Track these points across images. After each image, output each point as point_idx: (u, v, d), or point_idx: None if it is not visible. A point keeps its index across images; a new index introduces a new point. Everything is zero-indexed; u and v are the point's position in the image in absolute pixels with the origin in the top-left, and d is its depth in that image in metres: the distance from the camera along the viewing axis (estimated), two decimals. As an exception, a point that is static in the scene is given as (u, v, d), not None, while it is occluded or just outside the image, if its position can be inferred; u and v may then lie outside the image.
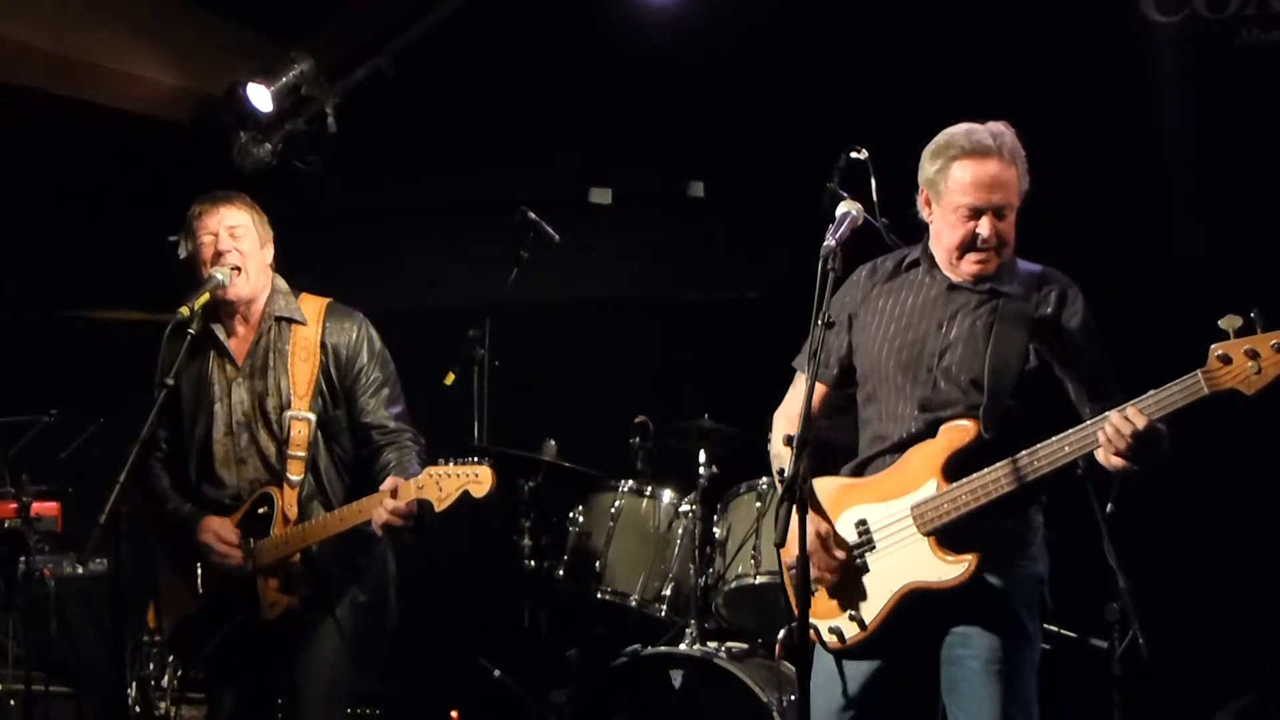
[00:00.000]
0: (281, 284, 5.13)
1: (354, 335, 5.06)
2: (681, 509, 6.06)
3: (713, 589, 5.91)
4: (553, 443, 6.47)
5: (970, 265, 4.19)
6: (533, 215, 6.62)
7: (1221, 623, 6.21)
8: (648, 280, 7.82)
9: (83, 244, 8.19)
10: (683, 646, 5.81)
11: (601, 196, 7.74)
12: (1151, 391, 3.87)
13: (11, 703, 6.50)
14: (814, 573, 4.16)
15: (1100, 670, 5.58)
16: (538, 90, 7.66)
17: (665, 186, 7.68)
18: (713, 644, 5.80)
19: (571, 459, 6.44)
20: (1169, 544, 6.27)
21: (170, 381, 4.79)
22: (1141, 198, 6.63)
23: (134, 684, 6.65)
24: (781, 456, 4.43)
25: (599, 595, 6.11)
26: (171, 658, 6.50)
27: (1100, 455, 3.97)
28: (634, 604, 6.06)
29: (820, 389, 4.41)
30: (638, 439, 6.47)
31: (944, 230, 4.20)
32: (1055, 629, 5.74)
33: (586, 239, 7.20)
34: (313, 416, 4.97)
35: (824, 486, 4.24)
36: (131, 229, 8.17)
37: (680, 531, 6.07)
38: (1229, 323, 3.81)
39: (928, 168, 4.23)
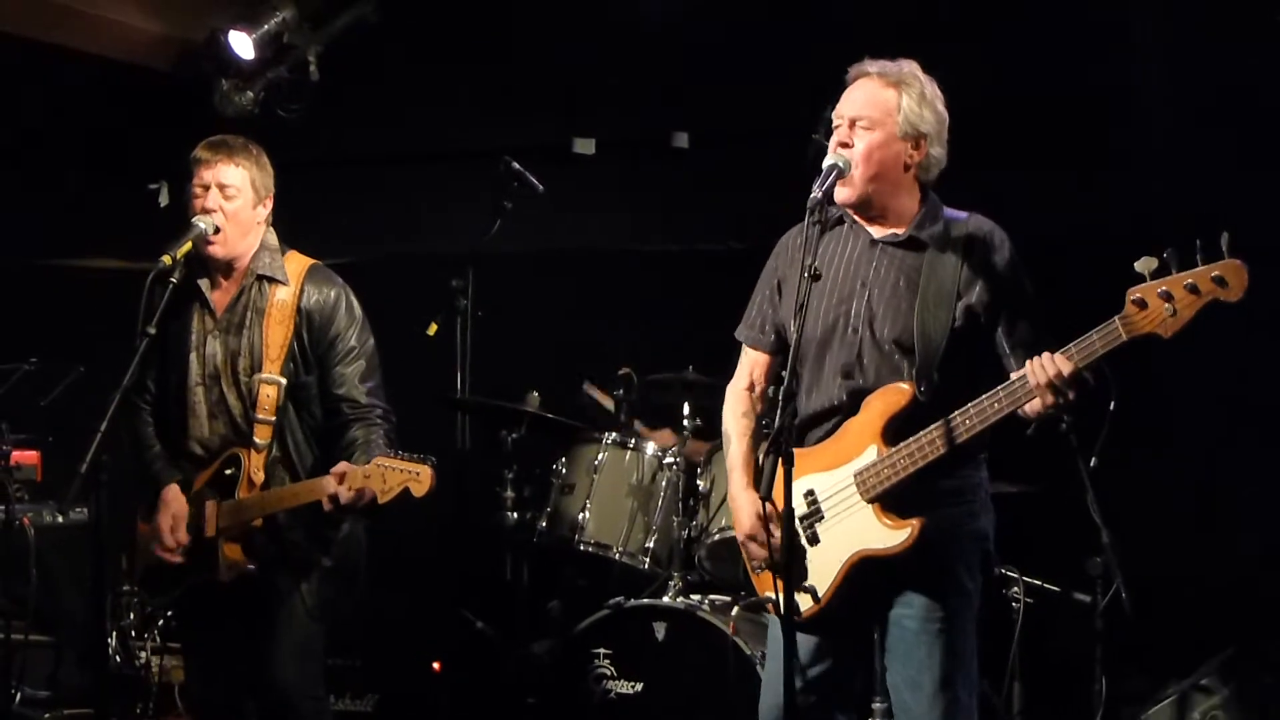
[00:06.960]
0: (271, 240, 5.03)
1: (330, 301, 4.96)
2: (665, 461, 6.04)
3: (696, 541, 5.90)
4: (536, 394, 6.46)
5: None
6: (517, 165, 6.58)
7: (1203, 576, 6.21)
8: (632, 231, 7.78)
9: (63, 192, 8.12)
10: (666, 599, 5.80)
11: (585, 147, 7.70)
12: (1073, 342, 3.81)
13: (-9, 651, 6.50)
14: (760, 552, 4.15)
15: (1083, 624, 5.58)
16: (522, 39, 7.60)
17: (650, 137, 7.63)
18: (696, 596, 5.80)
19: (554, 410, 6.42)
20: (1153, 498, 6.28)
21: (152, 330, 4.70)
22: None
23: (114, 634, 6.65)
24: (729, 437, 4.42)
25: (581, 547, 6.08)
26: (148, 609, 6.49)
27: (1029, 405, 3.90)
28: (617, 556, 6.04)
29: (764, 358, 4.41)
30: (621, 391, 6.46)
31: None
32: (1038, 582, 5.76)
33: (570, 189, 7.15)
34: (282, 381, 4.89)
35: (771, 461, 3.92)
36: (112, 177, 8.12)
37: (663, 484, 6.05)
38: (1144, 265, 3.72)
39: None
